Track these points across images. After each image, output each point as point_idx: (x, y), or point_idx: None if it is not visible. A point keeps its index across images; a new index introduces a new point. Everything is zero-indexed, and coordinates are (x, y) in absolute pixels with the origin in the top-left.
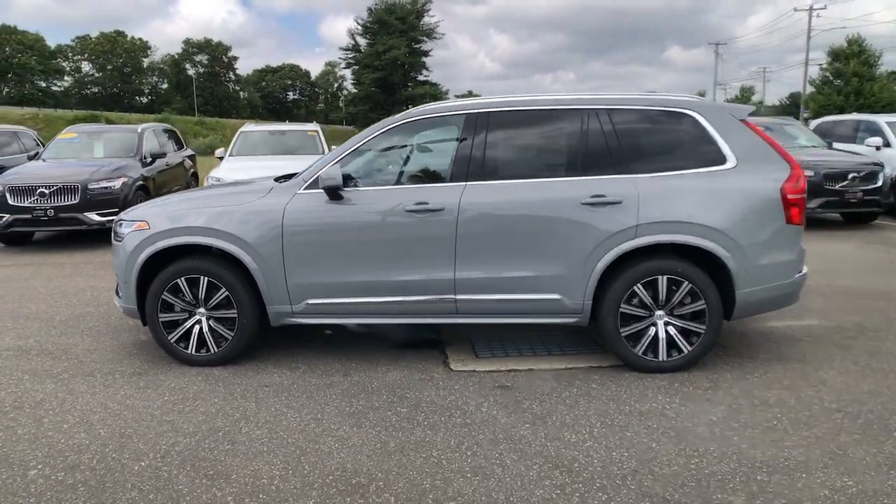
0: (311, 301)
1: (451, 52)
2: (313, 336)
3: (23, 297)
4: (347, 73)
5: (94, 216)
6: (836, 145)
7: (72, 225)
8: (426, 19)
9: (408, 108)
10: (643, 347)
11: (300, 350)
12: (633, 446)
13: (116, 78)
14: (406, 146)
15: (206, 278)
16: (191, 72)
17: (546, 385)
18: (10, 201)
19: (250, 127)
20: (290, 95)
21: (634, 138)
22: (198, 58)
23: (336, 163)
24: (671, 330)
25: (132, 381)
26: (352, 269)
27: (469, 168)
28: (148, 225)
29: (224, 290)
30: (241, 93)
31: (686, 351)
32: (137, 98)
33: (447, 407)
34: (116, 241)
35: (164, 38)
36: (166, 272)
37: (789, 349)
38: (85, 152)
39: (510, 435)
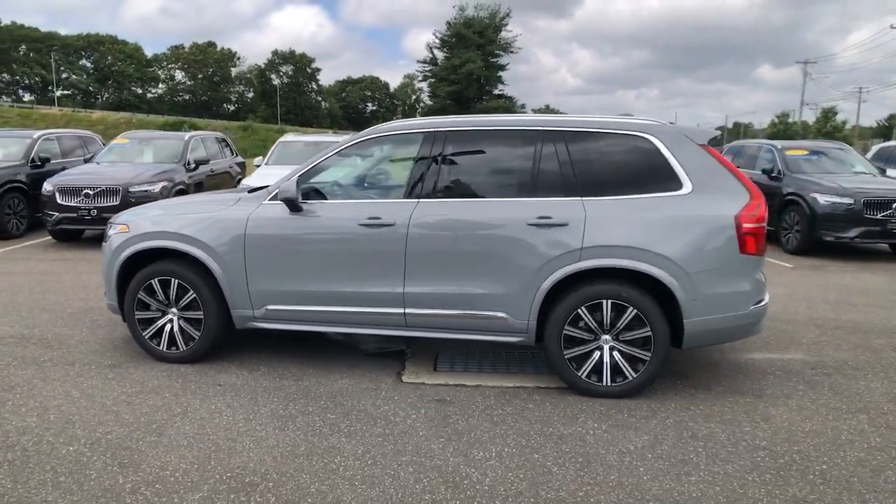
0: (270, 307)
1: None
2: (295, 341)
3: (48, 290)
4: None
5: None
6: (891, 172)
7: None
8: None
9: None
10: (587, 371)
11: (274, 353)
12: (533, 468)
13: (206, 86)
14: (369, 162)
15: (176, 280)
16: (276, 82)
17: (484, 402)
18: (59, 201)
19: (289, 137)
20: (370, 107)
21: (588, 162)
22: (283, 68)
23: (297, 176)
24: (616, 355)
25: (103, 373)
26: (308, 278)
27: (423, 185)
28: (128, 228)
29: (192, 292)
30: (323, 103)
31: (631, 377)
32: (225, 105)
33: (375, 416)
34: (104, 241)
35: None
36: (142, 273)
37: (753, 382)
38: (136, 157)
39: (419, 448)
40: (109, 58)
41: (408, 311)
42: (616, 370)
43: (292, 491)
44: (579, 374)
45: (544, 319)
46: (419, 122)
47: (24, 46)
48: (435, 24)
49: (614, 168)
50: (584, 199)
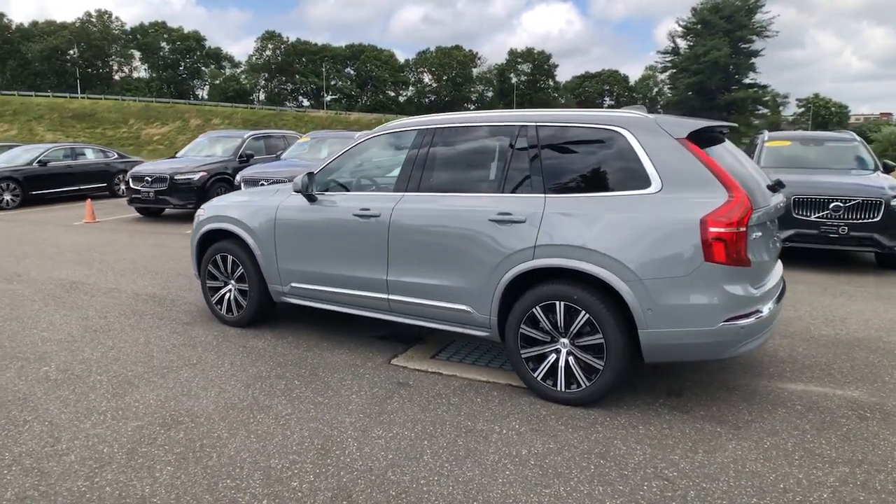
0: (294, 284)
1: (806, 52)
2: (337, 318)
3: (169, 258)
4: (664, 76)
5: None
6: None
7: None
8: (759, 16)
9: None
10: (542, 373)
11: (313, 327)
12: (408, 453)
13: (449, 87)
14: (375, 158)
15: (231, 257)
16: (513, 80)
17: (439, 391)
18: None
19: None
20: (606, 101)
21: (558, 157)
22: (521, 66)
23: (317, 171)
24: (571, 361)
25: (172, 327)
26: (319, 260)
27: (409, 180)
28: (205, 212)
29: (241, 267)
30: (561, 99)
31: (584, 386)
32: (465, 105)
33: (330, 388)
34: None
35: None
36: (210, 249)
37: (751, 413)
38: (315, 154)
39: (333, 419)
40: (368, 65)
41: (390, 297)
42: (570, 376)
43: (201, 434)
44: (535, 375)
45: (506, 316)
46: (414, 120)
47: (304, 59)
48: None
49: (582, 164)
50: (547, 195)
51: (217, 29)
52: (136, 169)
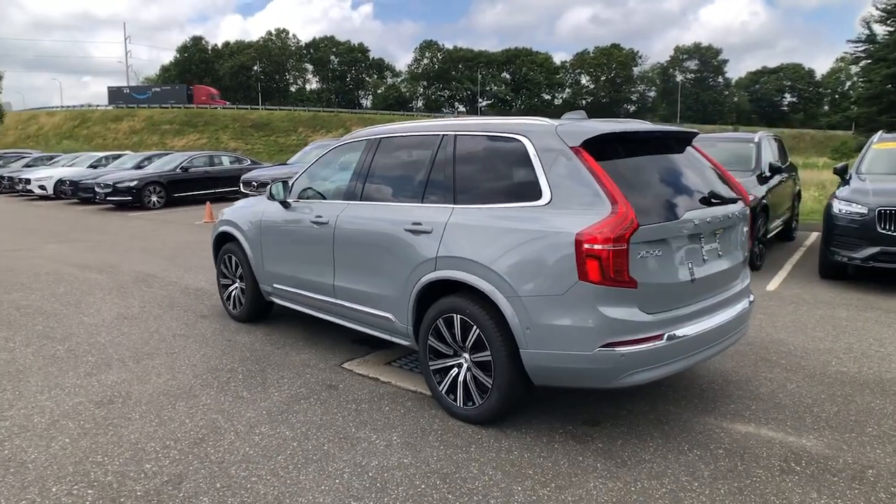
0: (275, 285)
1: None
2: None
3: None
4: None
5: None
6: None
7: None
8: None
9: None
10: (446, 387)
11: (308, 328)
12: (271, 448)
13: (608, 88)
14: (337, 166)
15: (234, 257)
16: (678, 78)
17: (359, 396)
18: None
19: None
20: (787, 98)
21: (468, 166)
22: (687, 64)
23: (283, 181)
24: (469, 377)
25: (192, 319)
26: (291, 264)
27: (354, 189)
28: (222, 215)
29: (241, 267)
30: (734, 98)
31: (477, 404)
32: (625, 106)
33: (263, 384)
34: None
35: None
36: (222, 250)
37: (640, 447)
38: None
39: (234, 412)
40: (524, 69)
41: (337, 301)
42: (468, 393)
43: (118, 415)
44: (440, 388)
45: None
46: (366, 131)
47: (461, 66)
48: None
49: (486, 174)
50: (455, 206)
51: (392, 40)
52: (248, 174)
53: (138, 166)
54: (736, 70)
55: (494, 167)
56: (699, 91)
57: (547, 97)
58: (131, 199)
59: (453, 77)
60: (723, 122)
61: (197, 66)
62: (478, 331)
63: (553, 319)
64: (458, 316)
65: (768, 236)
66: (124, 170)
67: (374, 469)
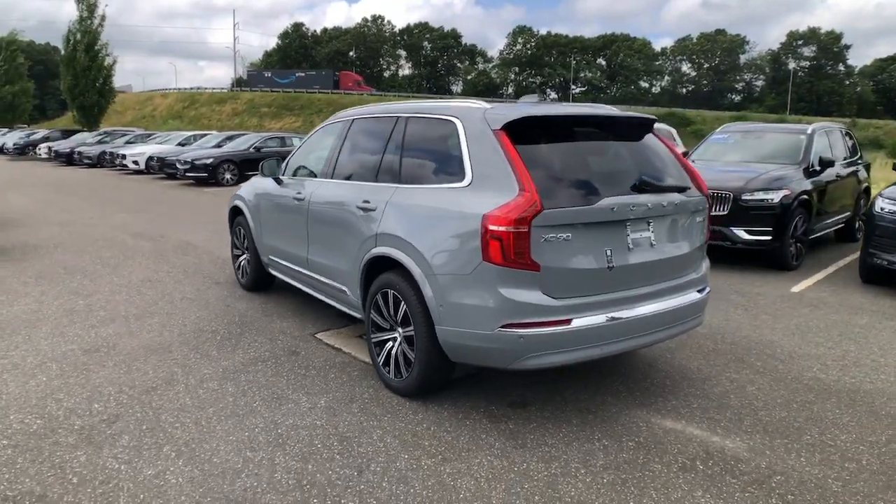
0: (270, 256)
1: None
2: None
3: None
4: None
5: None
6: None
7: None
8: None
9: None
10: (383, 359)
11: (305, 298)
12: (200, 401)
13: (711, 76)
14: (321, 146)
15: (242, 229)
16: (791, 66)
17: (315, 363)
18: None
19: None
20: None
21: (413, 148)
22: (801, 50)
23: (277, 158)
24: (399, 350)
25: (200, 283)
26: (279, 237)
27: (327, 168)
28: (237, 189)
29: (246, 240)
30: (856, 87)
31: (403, 376)
32: (729, 96)
33: (234, 346)
34: None
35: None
36: (234, 223)
37: (550, 432)
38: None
39: (194, 368)
40: (620, 55)
41: (309, 273)
42: (398, 366)
43: (95, 361)
44: (379, 360)
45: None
46: (344, 112)
47: (553, 52)
48: None
49: (426, 155)
50: (398, 185)
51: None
52: None
53: (218, 145)
54: (861, 57)
55: (433, 148)
56: (814, 80)
57: (644, 85)
58: (207, 175)
59: (546, 63)
60: (840, 114)
61: (296, 52)
62: (405, 306)
63: (461, 298)
64: (391, 291)
65: (813, 235)
66: (204, 148)
67: (285, 427)
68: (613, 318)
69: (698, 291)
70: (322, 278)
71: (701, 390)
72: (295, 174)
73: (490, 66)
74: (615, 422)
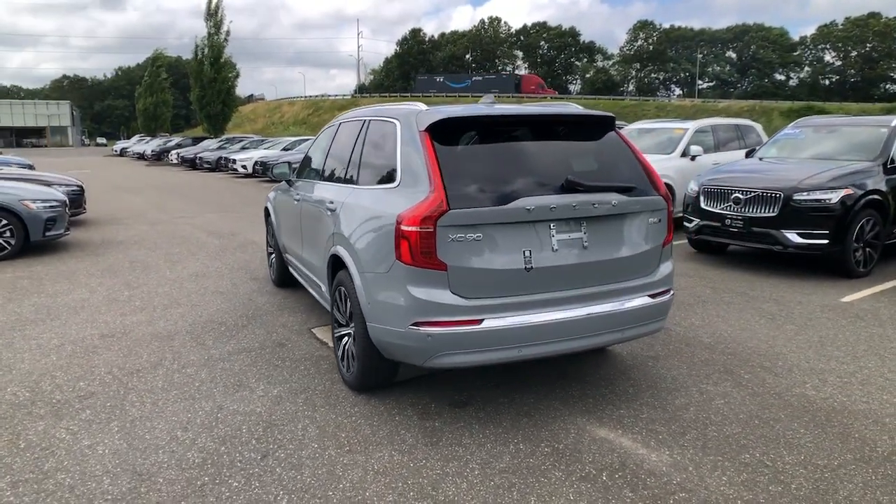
0: (285, 254)
1: None
2: None
3: None
4: None
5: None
6: None
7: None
8: None
9: None
10: (340, 353)
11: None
12: (169, 382)
13: (859, 64)
14: (319, 148)
15: (270, 228)
16: None
17: (295, 355)
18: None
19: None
20: None
21: (368, 149)
22: None
23: (289, 160)
24: (350, 345)
25: (234, 276)
26: (287, 235)
27: (318, 169)
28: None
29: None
30: None
31: (351, 371)
32: (883, 85)
33: (227, 337)
34: None
35: None
36: (267, 223)
37: (471, 432)
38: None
39: (182, 349)
40: (753, 46)
41: (304, 269)
42: (349, 360)
43: (104, 345)
44: (338, 353)
45: None
46: (342, 116)
47: (678, 46)
48: None
49: (375, 157)
50: (354, 187)
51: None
52: None
53: None
54: None
55: (380, 151)
56: None
57: (780, 77)
58: None
59: (669, 58)
60: None
61: (414, 58)
62: (349, 303)
63: (381, 296)
64: (342, 289)
65: (887, 240)
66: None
67: (226, 412)
68: (532, 321)
69: (650, 296)
70: (310, 274)
71: (661, 401)
72: (300, 176)
73: (609, 63)
74: (546, 427)
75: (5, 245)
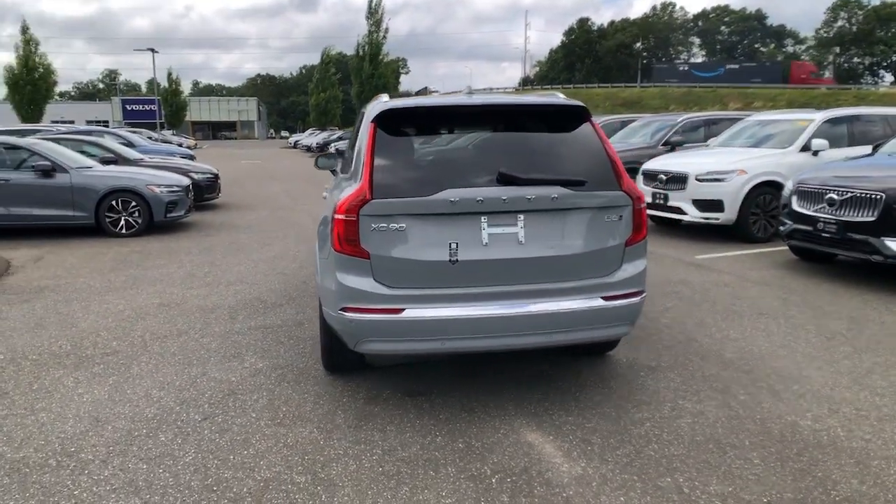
0: None
1: None
2: None
3: None
4: None
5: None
6: None
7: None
8: None
9: None
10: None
11: None
12: (162, 353)
13: None
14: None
15: None
16: None
17: (305, 335)
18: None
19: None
20: None
21: (354, 142)
22: None
23: (335, 150)
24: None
25: (278, 263)
26: None
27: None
28: None
29: None
30: None
31: None
32: None
33: (262, 312)
34: None
35: None
36: None
37: (414, 425)
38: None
39: (193, 324)
40: None
41: None
42: None
43: (159, 311)
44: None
45: None
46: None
47: (892, 25)
48: None
49: (352, 149)
50: (342, 176)
51: (815, 3)
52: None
53: None
54: None
55: (356, 142)
56: None
57: None
58: None
59: (878, 39)
60: None
61: (580, 49)
62: None
63: (324, 280)
64: None
65: None
66: None
67: (206, 378)
68: (456, 315)
69: (605, 298)
70: None
71: (620, 413)
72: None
73: (802, 47)
74: (477, 425)
75: (133, 223)
